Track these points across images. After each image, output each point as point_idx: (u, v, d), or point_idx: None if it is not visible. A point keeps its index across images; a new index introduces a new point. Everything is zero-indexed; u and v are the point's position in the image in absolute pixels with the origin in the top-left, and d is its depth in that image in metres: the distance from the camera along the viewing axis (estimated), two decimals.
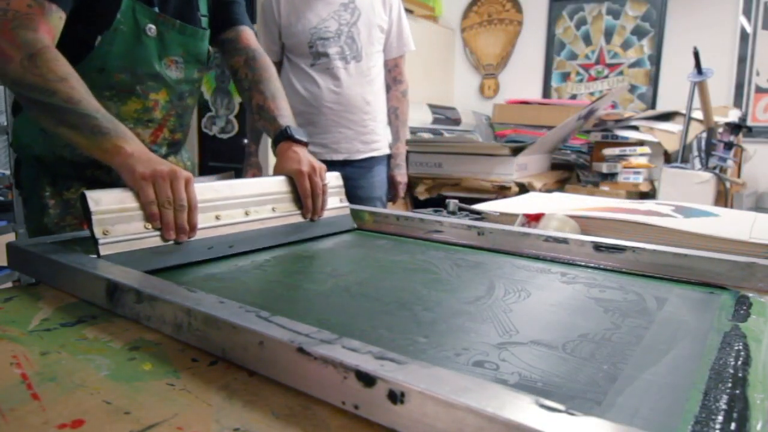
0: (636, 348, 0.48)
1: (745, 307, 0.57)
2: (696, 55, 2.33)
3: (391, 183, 1.90)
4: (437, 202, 1.52)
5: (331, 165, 1.71)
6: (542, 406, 0.30)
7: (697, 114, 2.47)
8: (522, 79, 3.63)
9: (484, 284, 0.65)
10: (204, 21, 1.02)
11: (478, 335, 0.50)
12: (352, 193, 1.76)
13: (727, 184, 2.26)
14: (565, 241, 0.77)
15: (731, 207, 2.30)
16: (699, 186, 2.19)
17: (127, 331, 0.49)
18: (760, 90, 3.01)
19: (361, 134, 1.76)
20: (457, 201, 1.22)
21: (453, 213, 1.19)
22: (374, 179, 1.82)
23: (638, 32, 3.28)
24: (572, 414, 0.29)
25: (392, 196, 1.93)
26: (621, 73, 3.34)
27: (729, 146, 2.42)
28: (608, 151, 2.51)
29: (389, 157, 1.88)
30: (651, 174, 2.50)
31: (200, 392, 0.38)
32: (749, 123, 2.97)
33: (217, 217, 0.75)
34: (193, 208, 0.69)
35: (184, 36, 0.97)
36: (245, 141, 1.83)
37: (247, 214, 0.79)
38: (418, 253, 0.81)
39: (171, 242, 0.68)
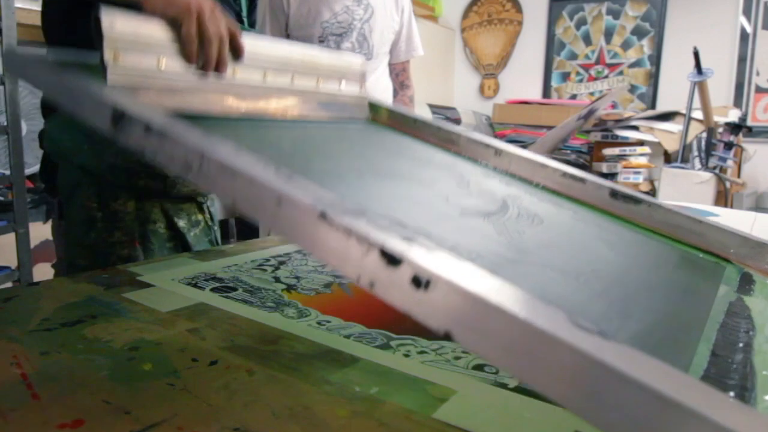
0: (646, 295, 0.47)
1: (749, 284, 0.57)
2: (696, 55, 2.33)
3: None
4: None
5: None
6: (576, 324, 0.27)
7: (697, 114, 2.47)
8: (522, 79, 3.63)
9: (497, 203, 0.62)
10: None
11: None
12: None
13: (727, 184, 2.26)
14: (582, 180, 0.74)
15: (731, 207, 2.30)
16: (699, 186, 2.19)
17: (127, 331, 0.49)
18: (760, 90, 3.01)
19: None
20: None
21: None
22: None
23: (638, 32, 3.27)
24: (605, 337, 0.26)
25: None
26: (621, 73, 3.34)
27: (729, 146, 2.42)
28: (608, 151, 2.51)
29: None
30: (651, 174, 2.50)
31: (200, 392, 0.38)
32: (749, 123, 2.97)
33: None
34: (225, 42, 0.65)
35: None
36: None
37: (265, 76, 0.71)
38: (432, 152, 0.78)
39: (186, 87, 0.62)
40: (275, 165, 0.39)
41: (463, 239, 0.47)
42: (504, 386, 0.41)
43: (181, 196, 0.96)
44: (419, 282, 0.30)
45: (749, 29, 3.00)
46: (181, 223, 0.98)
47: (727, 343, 0.40)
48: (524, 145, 2.34)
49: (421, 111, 3.04)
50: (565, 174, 0.75)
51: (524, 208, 0.62)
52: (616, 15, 3.32)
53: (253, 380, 0.41)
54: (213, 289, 0.62)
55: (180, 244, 0.97)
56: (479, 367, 0.44)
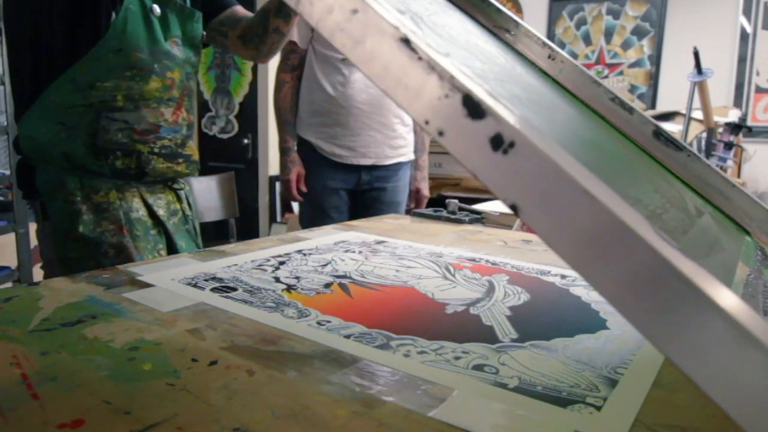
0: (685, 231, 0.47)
1: (766, 259, 0.56)
2: (696, 55, 2.33)
3: (416, 195, 1.85)
4: (437, 202, 1.53)
5: (357, 169, 1.68)
6: (658, 229, 0.24)
7: (697, 114, 2.47)
8: None
9: None
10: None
11: None
12: (376, 197, 1.74)
13: None
14: (630, 110, 0.70)
15: None
16: None
17: (127, 331, 0.49)
18: (760, 90, 3.01)
19: (390, 138, 1.69)
20: (457, 201, 1.22)
21: (453, 213, 1.19)
22: (399, 183, 1.77)
23: (638, 32, 3.28)
24: (684, 253, 0.23)
25: (413, 207, 1.86)
26: (621, 73, 3.34)
27: (729, 146, 2.42)
28: None
29: (412, 161, 1.83)
30: None
31: (200, 392, 0.38)
32: (749, 123, 2.97)
33: None
34: None
35: (183, 16, 0.99)
36: (245, 141, 1.82)
37: None
38: None
39: None
40: None
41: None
42: (504, 386, 0.41)
43: (157, 178, 1.01)
44: (500, 142, 0.26)
45: (749, 29, 3.01)
46: (161, 212, 1.02)
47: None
48: None
49: None
50: (614, 99, 0.70)
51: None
52: (616, 15, 3.32)
53: (253, 380, 0.41)
54: (213, 289, 0.62)
55: (162, 231, 1.02)
56: (479, 367, 0.44)
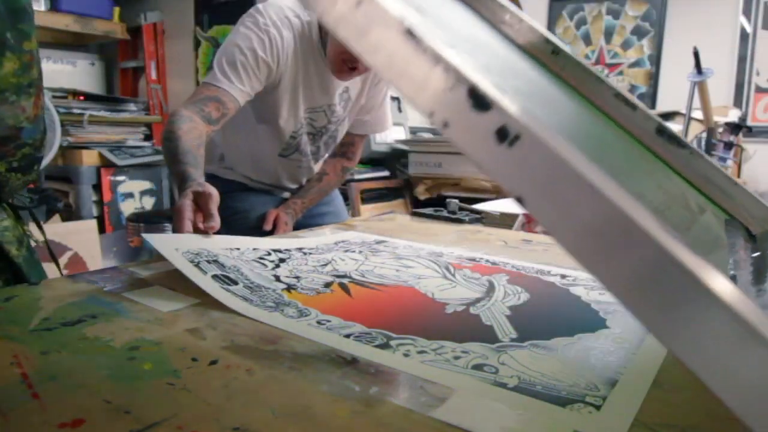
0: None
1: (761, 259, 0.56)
2: (696, 55, 2.33)
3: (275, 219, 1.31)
4: (437, 202, 1.52)
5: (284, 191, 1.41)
6: (662, 221, 0.24)
7: (697, 114, 2.47)
8: None
9: None
10: None
11: None
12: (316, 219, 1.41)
13: None
14: (633, 107, 0.69)
15: None
16: None
17: (127, 330, 0.49)
18: (760, 90, 3.01)
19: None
20: (457, 201, 1.22)
21: (453, 213, 1.19)
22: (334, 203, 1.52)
23: (638, 32, 3.27)
24: (687, 245, 0.23)
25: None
26: (621, 73, 3.34)
27: (729, 146, 2.42)
28: None
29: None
30: None
31: (200, 392, 0.38)
32: (749, 123, 2.97)
33: None
34: None
35: None
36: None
37: None
38: None
39: None
40: None
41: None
42: (503, 386, 0.42)
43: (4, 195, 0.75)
44: (506, 135, 0.25)
45: (749, 29, 3.00)
46: (13, 251, 0.75)
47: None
48: None
49: None
50: (618, 95, 0.69)
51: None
52: (616, 15, 3.32)
53: (253, 380, 0.41)
54: (214, 276, 0.62)
55: (10, 277, 0.75)
56: (479, 367, 0.44)
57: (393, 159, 2.68)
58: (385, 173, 2.68)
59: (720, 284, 0.21)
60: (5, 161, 0.69)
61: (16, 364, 0.42)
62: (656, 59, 3.23)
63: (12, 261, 0.74)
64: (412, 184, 2.47)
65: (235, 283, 0.62)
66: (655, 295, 0.22)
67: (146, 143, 3.31)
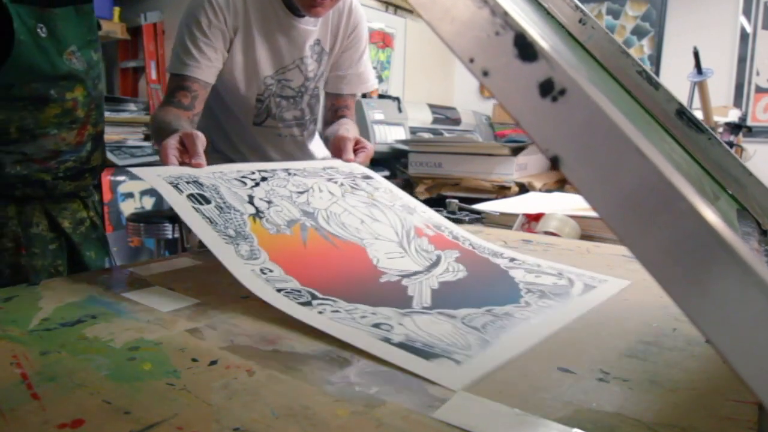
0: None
1: None
2: (696, 55, 2.33)
3: (355, 145, 1.09)
4: (437, 202, 1.52)
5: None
6: (701, 195, 0.23)
7: (697, 114, 2.47)
8: None
9: None
10: None
11: None
12: None
13: None
14: (656, 86, 0.68)
15: None
16: None
17: (127, 331, 0.49)
18: (760, 90, 3.01)
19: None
20: (457, 201, 1.22)
21: (453, 213, 1.19)
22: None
23: (638, 32, 3.28)
24: (725, 221, 0.24)
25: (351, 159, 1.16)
26: None
27: (729, 146, 2.43)
28: None
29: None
30: None
31: (200, 392, 0.38)
32: (749, 123, 2.97)
33: None
34: None
35: (73, 20, 0.90)
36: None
37: None
38: None
39: None
40: None
41: None
42: (388, 341, 0.44)
43: (64, 194, 0.96)
44: (550, 88, 0.24)
45: (749, 29, 3.00)
46: (66, 224, 0.96)
47: None
48: (524, 145, 2.34)
49: (422, 111, 3.04)
50: (641, 72, 0.68)
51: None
52: (616, 15, 3.32)
53: (253, 380, 0.41)
54: (189, 196, 0.63)
55: (64, 243, 0.96)
56: (377, 325, 0.48)
57: (393, 159, 2.68)
58: (385, 173, 2.68)
59: (757, 263, 0.20)
60: (50, 173, 0.91)
61: (15, 365, 0.42)
62: (656, 59, 3.23)
63: (68, 235, 0.95)
64: (412, 184, 2.47)
65: (208, 202, 0.62)
66: (690, 267, 0.21)
67: (146, 143, 3.31)
